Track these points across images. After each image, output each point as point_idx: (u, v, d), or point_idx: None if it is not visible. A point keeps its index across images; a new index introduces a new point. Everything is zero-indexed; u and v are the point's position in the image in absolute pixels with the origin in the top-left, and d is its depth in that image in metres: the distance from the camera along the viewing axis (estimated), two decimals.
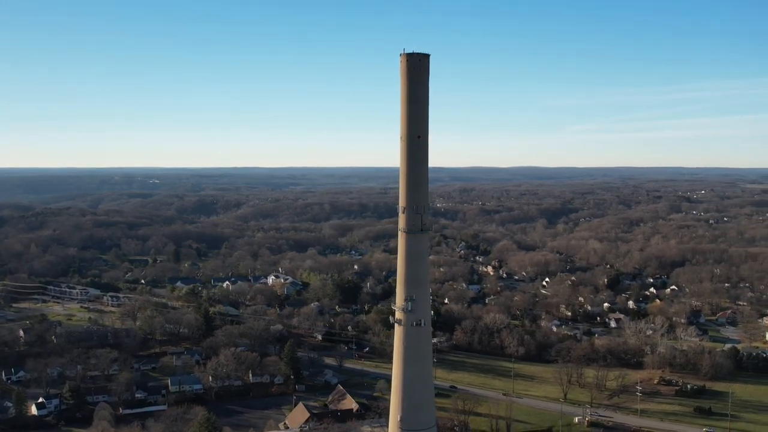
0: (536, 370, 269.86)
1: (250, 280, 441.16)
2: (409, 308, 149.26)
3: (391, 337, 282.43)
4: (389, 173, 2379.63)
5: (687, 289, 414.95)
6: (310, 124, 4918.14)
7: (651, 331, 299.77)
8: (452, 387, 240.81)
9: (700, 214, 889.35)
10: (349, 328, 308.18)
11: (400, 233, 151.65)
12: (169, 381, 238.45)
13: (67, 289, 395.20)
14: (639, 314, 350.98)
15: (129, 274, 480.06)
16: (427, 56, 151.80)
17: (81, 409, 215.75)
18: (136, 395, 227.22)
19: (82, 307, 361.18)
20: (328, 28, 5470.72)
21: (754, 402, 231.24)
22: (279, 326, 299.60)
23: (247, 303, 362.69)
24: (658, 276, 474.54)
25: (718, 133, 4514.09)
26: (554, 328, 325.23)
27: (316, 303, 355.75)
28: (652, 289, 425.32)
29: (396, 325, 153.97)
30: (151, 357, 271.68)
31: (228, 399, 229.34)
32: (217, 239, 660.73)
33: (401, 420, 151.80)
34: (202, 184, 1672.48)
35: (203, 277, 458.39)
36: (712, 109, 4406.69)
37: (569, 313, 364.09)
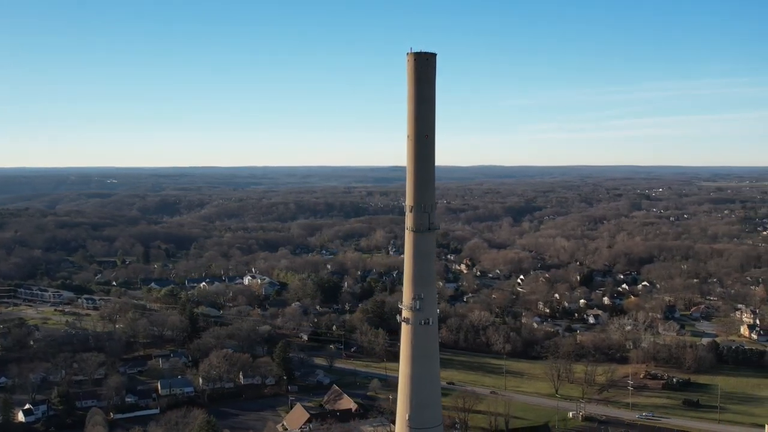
0: (524, 366, 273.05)
1: (224, 281, 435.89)
2: (417, 307, 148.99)
3: (379, 336, 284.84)
4: (350, 173, 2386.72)
5: (658, 285, 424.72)
6: (270, 124, 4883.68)
7: (629, 327, 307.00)
8: (450, 383, 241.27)
9: (661, 212, 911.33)
10: (334, 327, 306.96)
11: (407, 232, 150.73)
12: (158, 384, 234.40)
13: (39, 292, 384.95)
14: (616, 310, 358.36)
15: (99, 275, 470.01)
16: (434, 55, 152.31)
17: (71, 414, 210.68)
18: (126, 399, 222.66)
19: (56, 310, 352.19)
20: (283, 27, 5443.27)
21: (738, 393, 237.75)
22: (267, 327, 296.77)
23: (227, 304, 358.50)
24: (628, 272, 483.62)
25: (671, 132, 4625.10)
26: (535, 325, 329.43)
27: (298, 303, 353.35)
28: (624, 286, 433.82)
29: (403, 324, 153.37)
30: (136, 360, 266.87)
31: (221, 401, 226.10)
32: (185, 240, 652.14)
33: (409, 419, 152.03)
34: (161, 183, 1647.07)
35: (177, 278, 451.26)
36: (665, 108, 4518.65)
37: (548, 310, 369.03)
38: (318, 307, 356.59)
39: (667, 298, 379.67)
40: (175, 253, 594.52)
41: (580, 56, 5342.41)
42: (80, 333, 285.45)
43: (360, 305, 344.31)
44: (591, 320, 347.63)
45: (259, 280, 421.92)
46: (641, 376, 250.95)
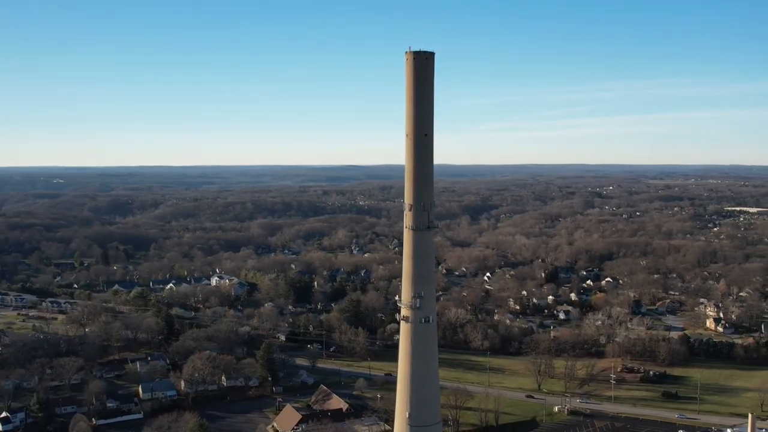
0: (504, 362, 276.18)
1: (191, 282, 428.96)
2: (418, 305, 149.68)
3: (359, 335, 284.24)
4: (303, 171, 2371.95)
5: (621, 281, 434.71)
6: (220, 123, 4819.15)
7: (600, 322, 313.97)
8: None
9: (614, 209, 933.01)
10: (311, 327, 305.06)
11: (406, 230, 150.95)
12: (140, 388, 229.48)
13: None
14: (584, 306, 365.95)
15: (58, 278, 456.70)
16: (432, 54, 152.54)
17: (51, 422, 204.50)
18: (108, 405, 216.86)
19: (19, 314, 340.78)
20: (233, 27, 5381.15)
21: (712, 385, 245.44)
22: (247, 328, 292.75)
23: (199, 305, 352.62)
24: (590, 269, 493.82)
25: (618, 131, 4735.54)
26: (508, 321, 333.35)
27: (271, 303, 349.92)
28: (588, 282, 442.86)
29: (403, 322, 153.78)
30: (112, 364, 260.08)
31: (206, 404, 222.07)
32: (143, 240, 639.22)
33: (409, 416, 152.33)
34: (110, 183, 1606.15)
35: (141, 280, 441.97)
36: (611, 108, 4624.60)
37: (518, 307, 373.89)
38: (291, 307, 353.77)
39: (631, 294, 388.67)
40: (133, 254, 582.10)
41: (526, 57, 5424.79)
42: (51, 338, 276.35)
43: (336, 305, 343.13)
44: (561, 316, 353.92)
45: (227, 281, 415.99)
46: (619, 370, 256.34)
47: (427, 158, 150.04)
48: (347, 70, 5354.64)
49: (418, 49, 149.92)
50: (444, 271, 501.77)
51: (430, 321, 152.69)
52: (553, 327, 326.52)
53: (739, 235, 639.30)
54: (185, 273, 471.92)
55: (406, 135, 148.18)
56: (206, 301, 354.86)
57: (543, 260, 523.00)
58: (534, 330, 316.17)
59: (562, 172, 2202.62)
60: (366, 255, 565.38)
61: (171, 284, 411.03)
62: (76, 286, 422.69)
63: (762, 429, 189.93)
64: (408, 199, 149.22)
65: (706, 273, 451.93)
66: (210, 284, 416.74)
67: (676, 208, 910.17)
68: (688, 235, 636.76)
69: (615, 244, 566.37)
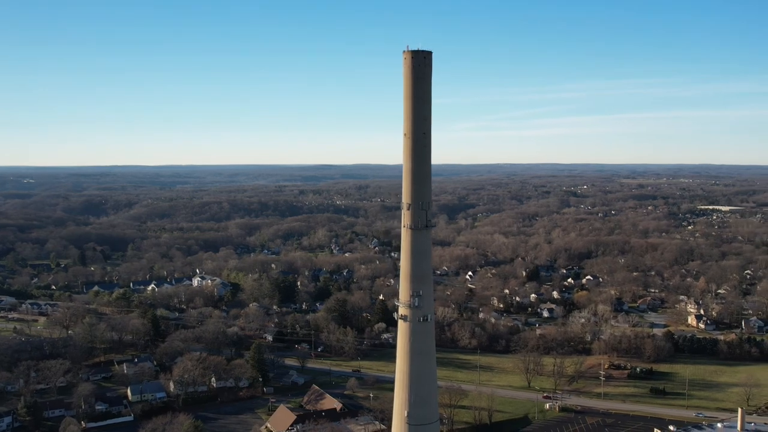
0: (492, 360, 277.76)
1: (172, 283, 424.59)
2: (416, 304, 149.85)
3: (348, 335, 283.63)
4: (278, 171, 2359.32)
5: (601, 279, 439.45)
6: (194, 122, 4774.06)
7: (583, 320, 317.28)
8: None
9: (589, 208, 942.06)
10: (298, 327, 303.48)
11: (404, 230, 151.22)
12: (128, 390, 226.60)
13: None
14: (567, 304, 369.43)
15: (35, 280, 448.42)
16: (429, 53, 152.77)
17: (39, 425, 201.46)
18: (97, 407, 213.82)
19: None
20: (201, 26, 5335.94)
21: (698, 380, 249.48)
22: (235, 329, 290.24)
23: (183, 306, 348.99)
24: (570, 267, 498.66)
25: (589, 130, 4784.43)
26: (493, 320, 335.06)
27: (255, 303, 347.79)
28: (569, 280, 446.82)
29: (401, 321, 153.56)
30: (98, 366, 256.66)
31: (196, 406, 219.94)
32: (119, 241, 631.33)
33: (408, 415, 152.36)
34: (82, 183, 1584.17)
35: (121, 281, 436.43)
36: (583, 108, 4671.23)
37: (502, 305, 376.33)
38: (276, 307, 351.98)
39: (612, 292, 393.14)
40: (110, 255, 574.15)
41: (497, 57, 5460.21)
42: (34, 340, 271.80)
43: (322, 304, 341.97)
44: (545, 314, 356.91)
45: (209, 281, 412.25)
46: (606, 367, 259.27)
47: (425, 157, 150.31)
48: (320, 70, 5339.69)
49: (416, 48, 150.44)
50: None
51: (428, 319, 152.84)
52: (538, 325, 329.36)
53: (713, 233, 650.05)
54: (165, 274, 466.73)
55: (404, 134, 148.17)
56: (190, 302, 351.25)
57: (523, 259, 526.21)
58: (520, 328, 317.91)
59: (535, 171, 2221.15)
60: (347, 254, 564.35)
61: (152, 285, 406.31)
62: (54, 287, 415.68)
63: (751, 423, 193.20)
64: (406, 198, 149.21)
65: (684, 270, 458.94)
66: (192, 285, 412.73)
67: (650, 207, 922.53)
68: (663, 234, 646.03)
69: (593, 242, 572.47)
